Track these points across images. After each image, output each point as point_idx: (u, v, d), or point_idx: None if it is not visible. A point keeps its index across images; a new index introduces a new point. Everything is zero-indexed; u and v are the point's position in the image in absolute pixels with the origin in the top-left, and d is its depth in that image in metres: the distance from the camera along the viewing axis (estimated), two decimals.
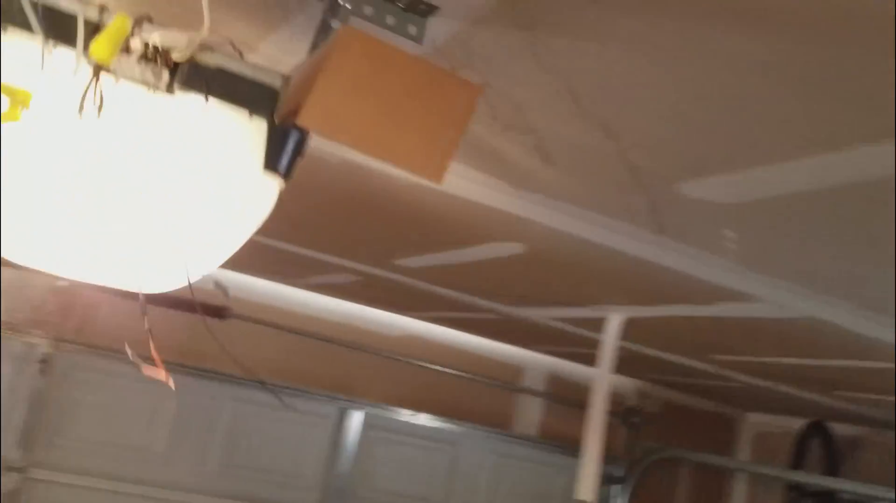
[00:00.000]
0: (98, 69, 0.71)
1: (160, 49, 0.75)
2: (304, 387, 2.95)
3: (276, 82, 0.79)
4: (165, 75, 0.76)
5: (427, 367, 3.22)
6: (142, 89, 0.75)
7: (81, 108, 0.71)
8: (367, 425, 3.08)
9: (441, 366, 3.24)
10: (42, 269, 0.80)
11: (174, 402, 2.75)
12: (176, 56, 0.75)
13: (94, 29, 0.71)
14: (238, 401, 2.90)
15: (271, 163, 0.79)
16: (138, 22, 0.74)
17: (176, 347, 2.37)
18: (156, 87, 0.75)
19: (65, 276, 0.78)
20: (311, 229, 2.10)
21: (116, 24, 0.65)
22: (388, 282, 2.44)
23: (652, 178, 1.23)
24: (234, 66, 0.77)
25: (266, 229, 0.86)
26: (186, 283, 0.81)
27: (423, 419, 3.17)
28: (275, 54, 1.07)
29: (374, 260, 2.28)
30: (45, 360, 2.54)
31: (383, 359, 3.17)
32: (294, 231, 2.09)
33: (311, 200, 1.68)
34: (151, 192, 0.77)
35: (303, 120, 0.81)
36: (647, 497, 3.47)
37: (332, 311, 3.15)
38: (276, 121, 0.79)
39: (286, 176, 0.81)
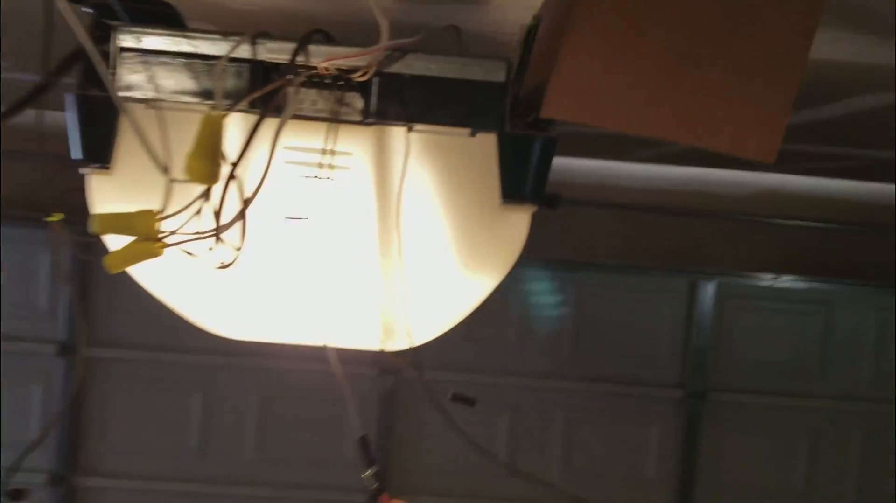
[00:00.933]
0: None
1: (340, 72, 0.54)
2: (649, 263, 2.73)
3: (500, 73, 0.54)
4: (357, 103, 0.55)
5: (787, 224, 2.81)
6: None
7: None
8: (722, 295, 2.80)
9: (803, 220, 2.80)
10: (271, 340, 0.68)
11: None
12: (359, 76, 0.54)
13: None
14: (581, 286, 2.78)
15: (512, 190, 0.56)
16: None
17: None
18: (348, 120, 0.56)
19: (298, 343, 0.65)
20: None
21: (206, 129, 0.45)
22: None
23: None
24: (436, 67, 0.54)
25: None
26: (423, 342, 0.63)
27: (787, 281, 2.78)
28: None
29: None
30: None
31: (734, 222, 2.81)
32: None
33: None
34: (374, 249, 0.59)
35: (548, 110, 0.56)
36: None
37: (670, 180, 2.84)
38: (509, 128, 0.55)
39: (535, 200, 0.57)
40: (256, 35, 0.55)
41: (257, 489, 2.87)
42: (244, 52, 0.54)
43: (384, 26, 0.51)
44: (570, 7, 0.55)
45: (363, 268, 0.60)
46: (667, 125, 0.59)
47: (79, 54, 0.59)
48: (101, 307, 2.58)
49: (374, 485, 0.48)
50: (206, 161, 0.40)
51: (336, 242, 0.57)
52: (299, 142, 0.60)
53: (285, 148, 0.60)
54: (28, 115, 0.82)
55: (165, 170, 0.43)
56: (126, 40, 0.55)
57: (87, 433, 2.75)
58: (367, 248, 0.58)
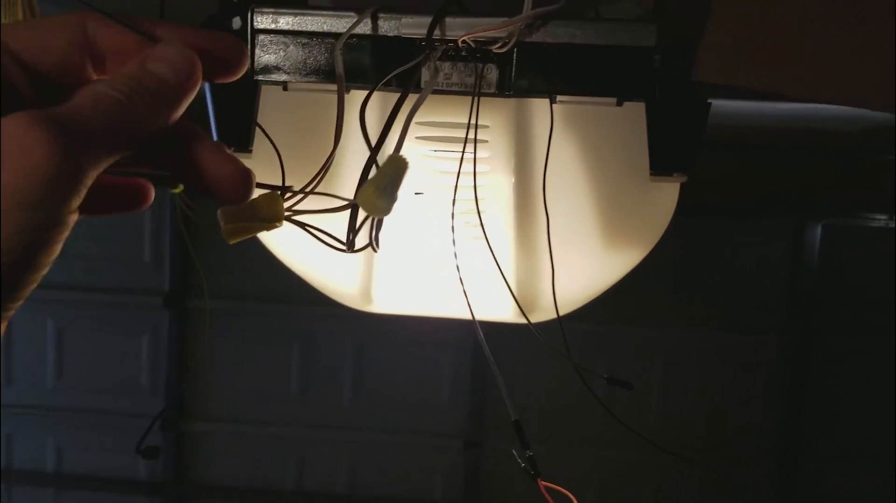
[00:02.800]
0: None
1: (477, 45, 0.52)
2: (753, 206, 2.63)
3: (651, 37, 0.51)
4: (495, 74, 0.53)
5: None
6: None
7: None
8: (829, 237, 2.68)
9: None
10: (420, 313, 0.67)
11: None
12: (497, 48, 0.52)
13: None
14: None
15: (662, 160, 0.53)
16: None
17: None
18: (486, 92, 0.53)
19: (439, 316, 0.64)
20: None
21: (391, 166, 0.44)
22: None
23: None
24: (581, 34, 0.51)
25: None
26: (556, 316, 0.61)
27: None
28: None
29: None
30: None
31: (842, 159, 2.66)
32: None
33: None
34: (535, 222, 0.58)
35: (700, 73, 0.53)
36: None
37: (773, 117, 2.69)
38: (659, 95, 0.52)
39: (688, 170, 0.54)
40: (383, 9, 0.53)
41: (354, 433, 2.96)
42: (374, 27, 0.53)
43: None
44: None
45: (502, 241, 0.59)
46: (821, 85, 0.54)
47: None
48: (204, 260, 2.67)
49: (531, 472, 0.47)
50: (384, 197, 0.39)
51: (474, 216, 0.56)
52: (431, 117, 0.58)
53: (416, 123, 0.59)
54: None
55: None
56: (263, 21, 0.54)
57: (193, 380, 2.90)
58: (505, 221, 0.57)
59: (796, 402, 2.78)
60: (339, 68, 0.44)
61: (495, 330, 0.64)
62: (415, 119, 0.51)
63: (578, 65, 0.51)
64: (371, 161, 0.43)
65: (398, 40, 0.53)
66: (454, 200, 0.52)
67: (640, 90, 0.51)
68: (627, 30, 0.51)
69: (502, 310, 0.59)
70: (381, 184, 0.39)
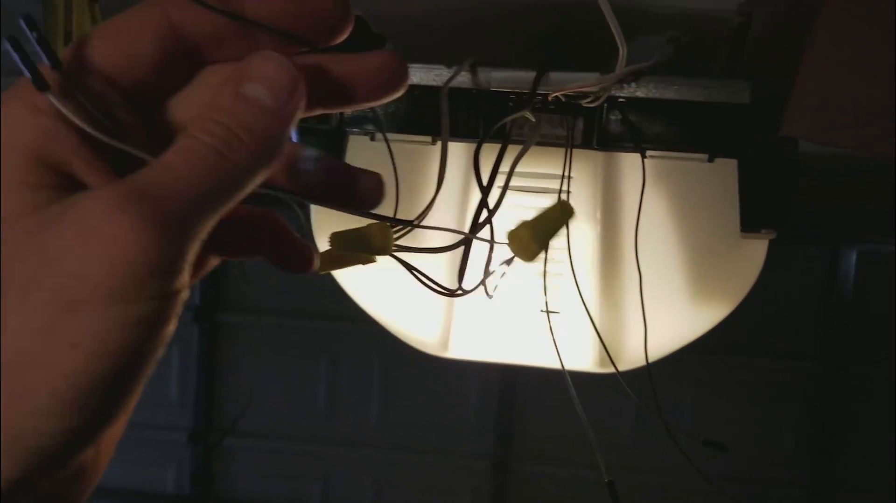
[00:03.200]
0: None
1: (568, 100, 0.52)
2: (786, 230, 2.60)
3: (745, 96, 0.51)
4: (581, 127, 0.53)
5: None
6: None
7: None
8: (864, 263, 2.65)
9: None
10: (496, 361, 0.67)
11: None
12: (588, 102, 0.52)
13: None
14: None
15: (752, 217, 0.53)
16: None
17: None
18: (574, 146, 0.54)
19: (517, 363, 0.64)
20: None
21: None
22: None
23: None
24: (674, 91, 0.51)
25: None
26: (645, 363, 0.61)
27: None
28: None
29: None
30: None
31: (874, 179, 2.64)
32: None
33: None
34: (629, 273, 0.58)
35: (789, 128, 0.53)
36: None
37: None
38: (752, 153, 0.52)
39: (778, 227, 0.54)
40: (479, 62, 0.54)
41: (381, 452, 2.96)
42: (467, 80, 0.53)
43: (622, 52, 0.49)
44: (803, 12, 0.51)
45: (586, 291, 0.59)
46: None
47: None
48: (231, 275, 2.69)
49: None
50: (538, 242, 0.38)
51: (554, 265, 0.56)
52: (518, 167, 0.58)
53: (500, 173, 0.59)
54: None
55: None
56: None
57: (220, 395, 2.90)
58: (589, 272, 0.57)
59: (829, 432, 2.75)
60: (445, 117, 0.45)
61: (532, 374, 0.64)
62: (504, 169, 0.52)
63: (670, 120, 0.52)
64: (482, 204, 0.43)
65: (488, 93, 0.54)
66: (545, 253, 0.52)
67: (733, 147, 0.51)
68: (721, 87, 0.51)
69: (582, 360, 0.59)
70: (540, 227, 0.38)
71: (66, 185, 0.28)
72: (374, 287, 0.62)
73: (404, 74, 0.32)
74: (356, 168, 0.34)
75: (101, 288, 0.25)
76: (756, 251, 0.57)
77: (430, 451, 2.92)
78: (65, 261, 0.25)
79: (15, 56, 0.26)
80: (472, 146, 0.57)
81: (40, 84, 0.26)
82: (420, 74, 0.54)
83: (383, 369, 2.90)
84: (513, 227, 0.38)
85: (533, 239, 0.38)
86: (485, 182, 0.46)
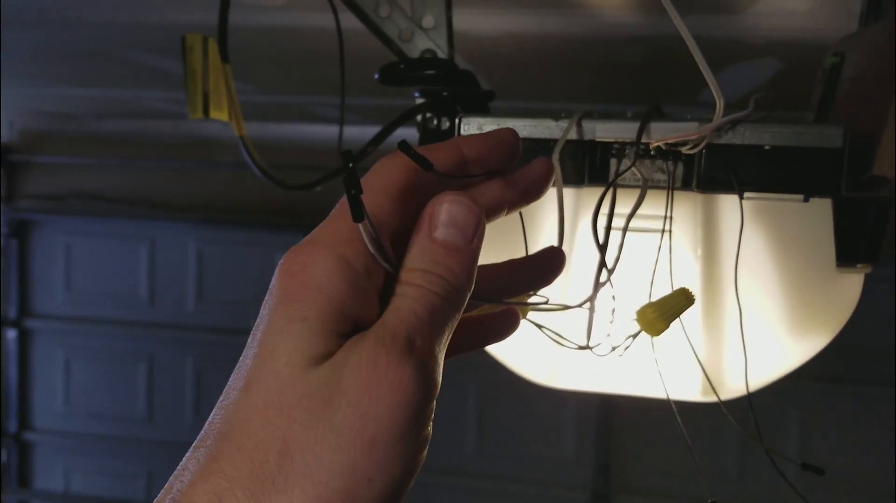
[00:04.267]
0: None
1: (668, 148, 0.57)
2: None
3: (837, 140, 0.54)
4: (680, 171, 0.58)
5: None
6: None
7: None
8: None
9: None
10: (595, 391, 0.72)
11: None
12: (687, 149, 0.57)
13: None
14: None
15: (847, 253, 0.56)
16: None
17: None
18: (671, 188, 0.58)
19: (628, 394, 0.68)
20: None
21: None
22: None
23: None
24: (770, 137, 0.55)
25: None
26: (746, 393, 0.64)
27: None
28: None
29: None
30: None
31: None
32: None
33: None
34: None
35: (880, 168, 0.56)
36: None
37: None
38: (845, 192, 0.55)
39: (873, 261, 0.57)
40: (585, 115, 0.59)
41: (478, 481, 2.99)
42: (578, 133, 0.58)
43: (719, 104, 0.53)
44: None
45: (688, 324, 0.63)
46: None
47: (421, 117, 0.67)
48: None
49: None
50: (664, 322, 0.45)
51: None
52: (621, 208, 0.63)
53: (602, 215, 0.64)
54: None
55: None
56: (469, 128, 0.61)
57: None
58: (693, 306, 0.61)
59: None
60: (559, 172, 0.50)
61: (627, 403, 0.67)
62: (604, 211, 0.56)
63: (766, 164, 0.55)
64: (602, 263, 0.48)
65: (591, 143, 0.59)
66: (651, 282, 0.57)
67: (827, 188, 0.54)
68: (814, 132, 0.54)
69: (686, 391, 0.63)
70: (665, 309, 0.44)
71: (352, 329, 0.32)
72: None
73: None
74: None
75: (391, 428, 0.30)
76: (852, 284, 0.59)
77: (529, 481, 2.94)
78: (362, 404, 0.30)
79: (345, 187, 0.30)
80: (573, 190, 0.62)
81: (357, 215, 0.31)
82: (530, 128, 0.60)
83: (479, 399, 2.94)
84: (640, 307, 0.44)
85: (659, 319, 0.43)
86: (604, 235, 0.51)
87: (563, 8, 1.12)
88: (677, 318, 0.45)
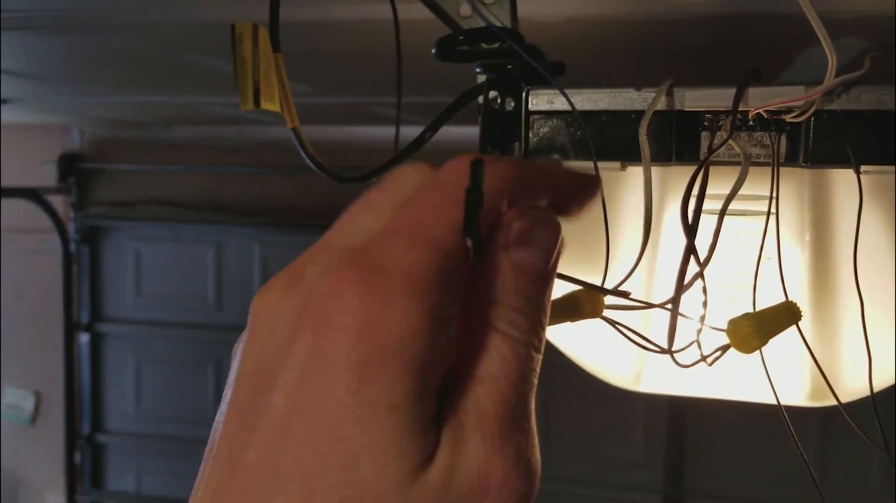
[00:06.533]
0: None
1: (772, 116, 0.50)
2: None
3: None
4: (784, 144, 0.51)
5: None
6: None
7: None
8: None
9: None
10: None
11: None
12: (792, 117, 0.49)
13: None
14: None
15: None
16: None
17: None
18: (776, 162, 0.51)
19: (722, 398, 0.61)
20: None
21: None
22: None
23: None
24: (889, 100, 0.48)
25: None
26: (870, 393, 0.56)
27: None
28: None
29: None
30: None
31: None
32: None
33: None
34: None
35: None
36: None
37: None
38: None
39: None
40: (673, 84, 0.52)
41: (548, 484, 2.92)
42: (667, 103, 0.52)
43: (832, 61, 0.46)
44: None
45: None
46: None
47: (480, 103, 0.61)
48: None
49: None
50: (759, 339, 0.37)
51: (762, 292, 0.53)
52: (712, 188, 0.56)
53: (693, 196, 0.57)
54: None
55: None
56: (538, 101, 0.55)
57: None
58: (800, 299, 0.54)
59: None
60: (646, 149, 0.43)
61: (701, 405, 0.60)
62: (694, 191, 0.50)
63: (883, 133, 0.48)
64: (688, 252, 0.41)
65: (679, 114, 0.52)
66: (756, 274, 0.49)
67: None
68: None
69: (792, 394, 0.56)
70: (763, 324, 0.37)
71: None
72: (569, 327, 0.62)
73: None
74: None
75: None
76: None
77: (600, 484, 2.85)
78: None
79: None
80: (658, 170, 0.55)
81: (473, 234, 0.25)
82: (608, 100, 0.53)
83: (545, 401, 2.86)
84: (733, 318, 0.37)
85: (754, 335, 0.37)
86: (693, 218, 0.44)
87: None
88: (776, 334, 0.37)
